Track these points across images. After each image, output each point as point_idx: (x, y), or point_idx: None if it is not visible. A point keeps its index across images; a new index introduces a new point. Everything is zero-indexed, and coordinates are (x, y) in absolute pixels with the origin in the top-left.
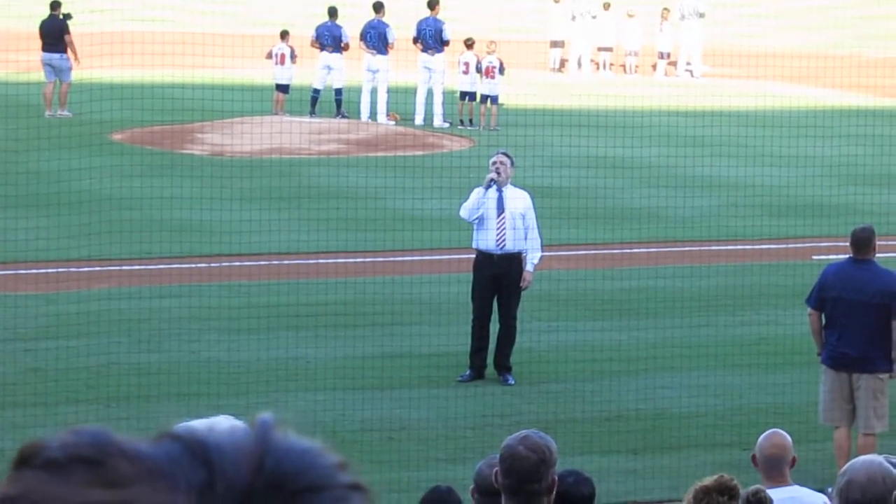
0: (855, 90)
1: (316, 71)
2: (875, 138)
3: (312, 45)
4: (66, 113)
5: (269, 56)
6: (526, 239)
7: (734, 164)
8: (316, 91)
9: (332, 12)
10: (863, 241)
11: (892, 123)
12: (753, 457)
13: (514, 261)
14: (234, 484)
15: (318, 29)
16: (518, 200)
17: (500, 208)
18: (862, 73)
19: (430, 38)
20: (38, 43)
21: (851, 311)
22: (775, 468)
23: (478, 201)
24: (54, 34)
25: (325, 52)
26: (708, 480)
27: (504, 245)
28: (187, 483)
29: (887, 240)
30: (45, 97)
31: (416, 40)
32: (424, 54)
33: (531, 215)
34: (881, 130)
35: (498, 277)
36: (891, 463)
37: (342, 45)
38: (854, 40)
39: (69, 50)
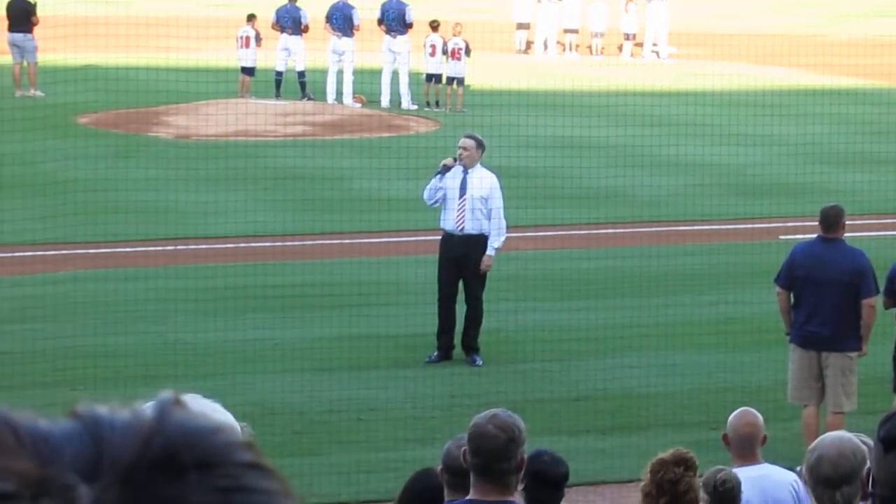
0: (821, 70)
1: (276, 53)
2: (841, 117)
3: (273, 28)
4: (38, 93)
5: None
6: (489, 220)
7: (700, 145)
8: (278, 73)
9: None
10: (832, 220)
11: (857, 103)
12: (725, 436)
13: (475, 243)
14: (119, 459)
15: (278, 11)
16: (483, 182)
17: (463, 190)
18: (828, 52)
19: (394, 21)
20: (5, 24)
21: (821, 290)
22: (747, 447)
23: (434, 186)
24: (20, 14)
25: (284, 35)
26: (665, 454)
27: (463, 227)
28: (73, 458)
29: (854, 219)
30: (14, 78)
31: (380, 22)
32: (388, 37)
33: (496, 196)
34: (847, 110)
35: (459, 259)
36: (860, 440)
37: (302, 27)
38: (820, 20)
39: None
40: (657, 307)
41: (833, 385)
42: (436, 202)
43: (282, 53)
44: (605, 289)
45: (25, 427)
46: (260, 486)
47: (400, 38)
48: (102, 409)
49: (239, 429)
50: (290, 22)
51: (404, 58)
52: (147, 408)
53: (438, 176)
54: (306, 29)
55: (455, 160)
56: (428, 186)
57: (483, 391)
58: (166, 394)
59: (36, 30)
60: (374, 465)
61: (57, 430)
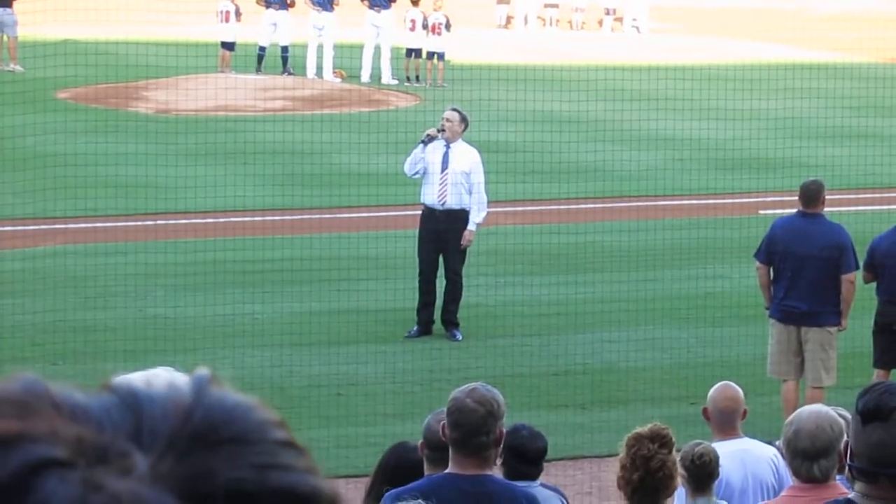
0: (801, 44)
1: (261, 28)
2: (821, 92)
3: (258, 3)
4: (18, 67)
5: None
6: (470, 195)
7: (680, 119)
8: (262, 48)
9: None
10: (812, 194)
11: (837, 77)
12: (705, 410)
13: (456, 217)
14: (159, 432)
15: None
16: (465, 157)
17: (445, 164)
18: (808, 27)
19: None
20: None
21: (800, 265)
22: (728, 421)
23: (415, 156)
24: None
25: (270, 10)
26: (642, 428)
27: (445, 201)
28: (112, 429)
29: (834, 194)
30: None
31: None
32: (371, 11)
33: (478, 172)
34: (827, 84)
35: (440, 233)
36: (837, 413)
37: (288, 1)
38: None
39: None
40: (637, 282)
41: (812, 360)
42: (416, 173)
43: (268, 28)
44: (585, 264)
45: (63, 397)
46: (295, 464)
47: (384, 12)
48: (138, 383)
49: None
50: None
51: (386, 32)
52: (181, 383)
53: (421, 146)
54: (292, 3)
55: (438, 131)
56: (409, 157)
57: (462, 366)
58: (202, 370)
59: (16, 4)
60: (353, 440)
61: (94, 401)
